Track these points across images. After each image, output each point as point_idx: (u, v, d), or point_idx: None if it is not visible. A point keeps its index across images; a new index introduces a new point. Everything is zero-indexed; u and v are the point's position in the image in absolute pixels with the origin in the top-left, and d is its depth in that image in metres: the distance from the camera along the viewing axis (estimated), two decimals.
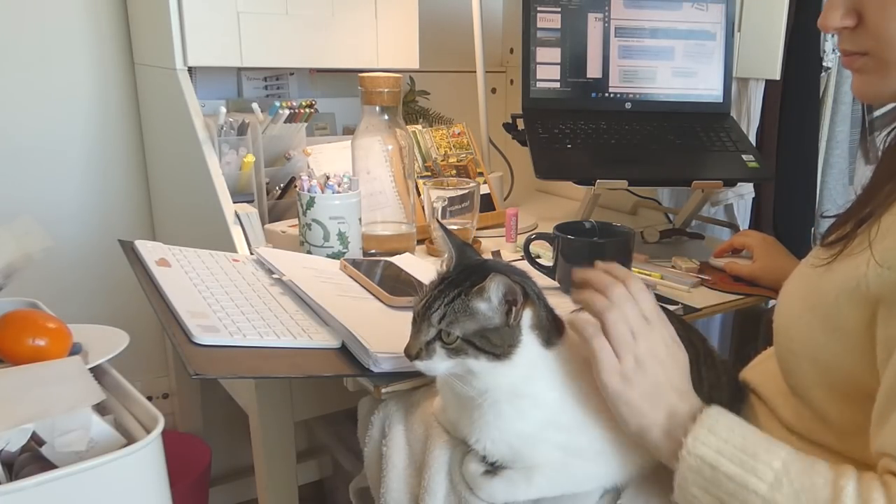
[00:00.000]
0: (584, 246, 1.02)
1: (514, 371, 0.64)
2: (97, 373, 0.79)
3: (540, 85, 1.31)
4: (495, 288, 0.62)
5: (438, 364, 0.64)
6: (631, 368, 0.62)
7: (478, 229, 1.28)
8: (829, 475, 0.55)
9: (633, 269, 1.09)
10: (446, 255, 0.70)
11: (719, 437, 0.58)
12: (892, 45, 0.60)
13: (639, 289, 0.65)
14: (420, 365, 0.64)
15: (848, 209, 0.65)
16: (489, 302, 0.63)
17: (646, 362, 0.63)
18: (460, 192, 1.21)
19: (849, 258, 0.62)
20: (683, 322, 0.77)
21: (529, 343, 0.64)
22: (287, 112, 1.26)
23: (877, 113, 1.57)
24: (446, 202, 1.20)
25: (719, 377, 0.76)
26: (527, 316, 0.64)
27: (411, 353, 0.65)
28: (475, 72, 1.55)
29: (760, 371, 0.82)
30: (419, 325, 0.65)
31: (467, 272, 0.66)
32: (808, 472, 0.55)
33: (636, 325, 0.64)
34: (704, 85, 1.35)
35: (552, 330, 0.66)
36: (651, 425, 0.62)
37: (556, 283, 1.05)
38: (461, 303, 0.63)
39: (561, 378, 0.66)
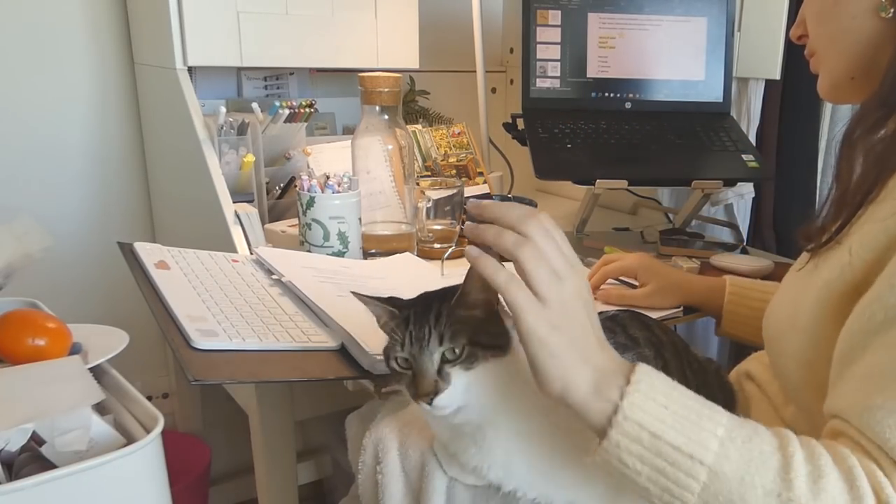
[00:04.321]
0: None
1: (511, 366, 0.60)
2: (97, 373, 0.79)
3: (540, 85, 1.31)
4: (477, 271, 0.55)
5: (457, 385, 0.59)
6: (558, 313, 0.54)
7: None
8: (774, 441, 0.52)
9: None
10: (383, 318, 0.66)
11: (658, 402, 0.53)
12: (820, 43, 0.71)
13: (554, 225, 0.56)
14: (442, 398, 0.59)
15: (825, 214, 0.66)
16: (474, 293, 0.59)
17: (572, 306, 0.54)
18: (447, 194, 1.21)
19: (830, 252, 0.63)
20: (663, 326, 0.77)
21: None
22: (287, 112, 1.26)
23: None
24: (430, 203, 1.20)
25: (706, 376, 0.76)
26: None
27: (428, 391, 0.59)
28: (475, 72, 1.55)
29: (764, 366, 0.82)
30: (420, 366, 0.60)
31: (423, 301, 0.63)
32: (754, 439, 0.52)
33: (558, 264, 0.54)
34: (704, 85, 1.35)
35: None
36: (579, 381, 0.54)
37: None
38: (448, 315, 0.60)
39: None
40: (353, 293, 0.65)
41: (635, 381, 0.53)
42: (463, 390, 0.60)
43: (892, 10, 0.63)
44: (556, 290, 0.54)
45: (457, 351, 0.59)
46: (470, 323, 0.60)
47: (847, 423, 0.54)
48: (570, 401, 0.54)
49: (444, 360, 0.59)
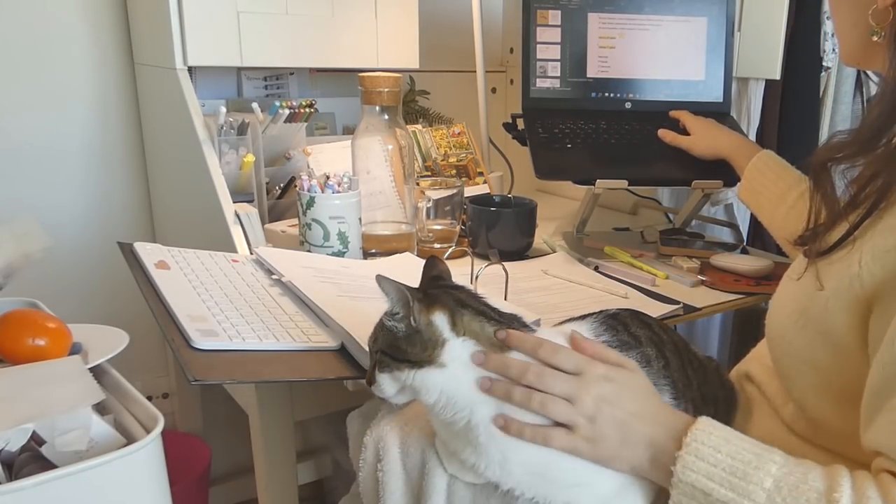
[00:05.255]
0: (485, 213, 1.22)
1: (462, 375, 0.63)
2: (97, 372, 0.79)
3: (540, 84, 1.31)
4: (386, 289, 0.64)
5: (383, 385, 0.66)
6: (589, 430, 0.61)
7: None
8: (822, 487, 0.55)
9: (641, 264, 1.09)
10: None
11: (707, 461, 0.58)
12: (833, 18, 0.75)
13: (551, 352, 0.63)
14: (373, 390, 0.67)
15: (819, 222, 0.66)
16: (392, 309, 0.65)
17: (599, 414, 0.61)
18: (447, 194, 1.21)
19: (835, 263, 0.62)
20: (663, 325, 0.77)
21: (461, 348, 0.64)
22: (287, 112, 1.26)
23: None
24: (430, 203, 1.20)
25: (706, 374, 0.76)
26: (441, 320, 0.64)
27: (367, 381, 0.69)
28: (475, 72, 1.55)
29: (763, 367, 0.81)
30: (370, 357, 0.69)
31: None
32: (801, 488, 0.55)
33: (567, 390, 0.62)
34: (704, 85, 1.35)
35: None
36: (639, 462, 0.62)
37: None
38: (380, 323, 0.67)
39: None
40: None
41: (686, 444, 0.60)
42: (393, 390, 0.66)
43: (882, 34, 0.65)
44: (577, 414, 0.61)
45: (377, 355, 0.67)
46: (392, 333, 0.65)
47: None
48: (639, 475, 0.63)
49: (377, 359, 0.67)
